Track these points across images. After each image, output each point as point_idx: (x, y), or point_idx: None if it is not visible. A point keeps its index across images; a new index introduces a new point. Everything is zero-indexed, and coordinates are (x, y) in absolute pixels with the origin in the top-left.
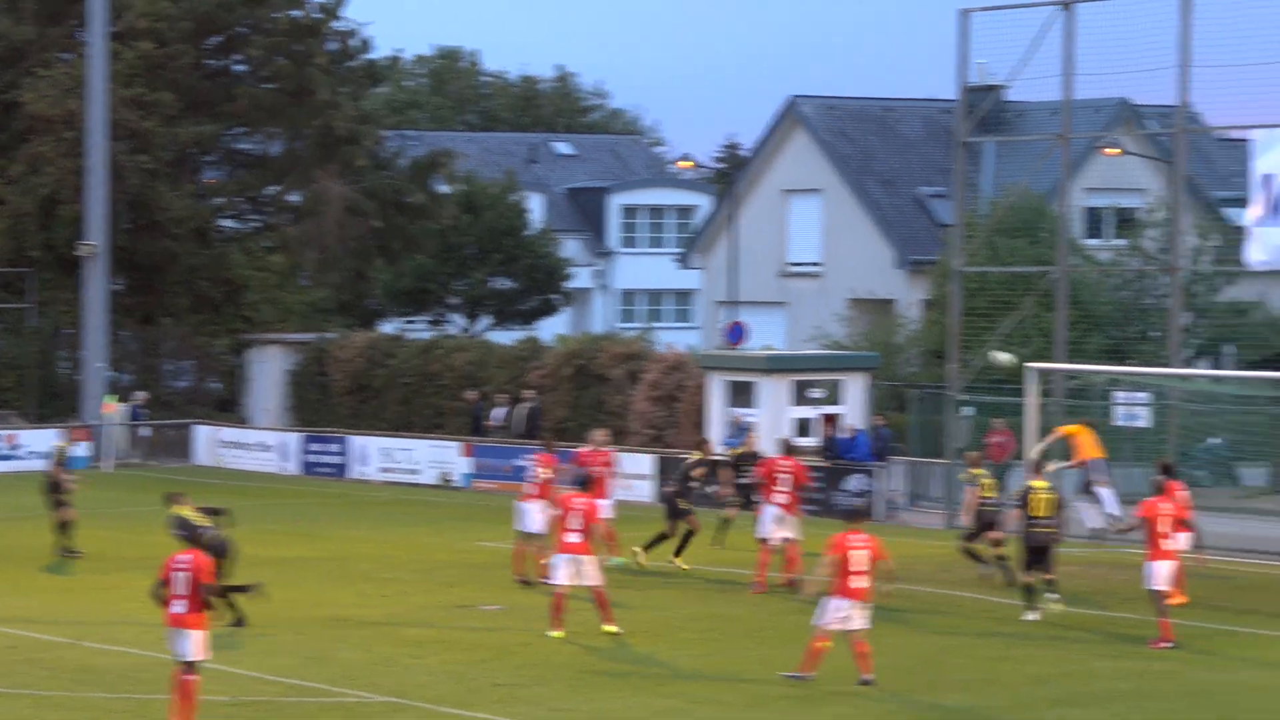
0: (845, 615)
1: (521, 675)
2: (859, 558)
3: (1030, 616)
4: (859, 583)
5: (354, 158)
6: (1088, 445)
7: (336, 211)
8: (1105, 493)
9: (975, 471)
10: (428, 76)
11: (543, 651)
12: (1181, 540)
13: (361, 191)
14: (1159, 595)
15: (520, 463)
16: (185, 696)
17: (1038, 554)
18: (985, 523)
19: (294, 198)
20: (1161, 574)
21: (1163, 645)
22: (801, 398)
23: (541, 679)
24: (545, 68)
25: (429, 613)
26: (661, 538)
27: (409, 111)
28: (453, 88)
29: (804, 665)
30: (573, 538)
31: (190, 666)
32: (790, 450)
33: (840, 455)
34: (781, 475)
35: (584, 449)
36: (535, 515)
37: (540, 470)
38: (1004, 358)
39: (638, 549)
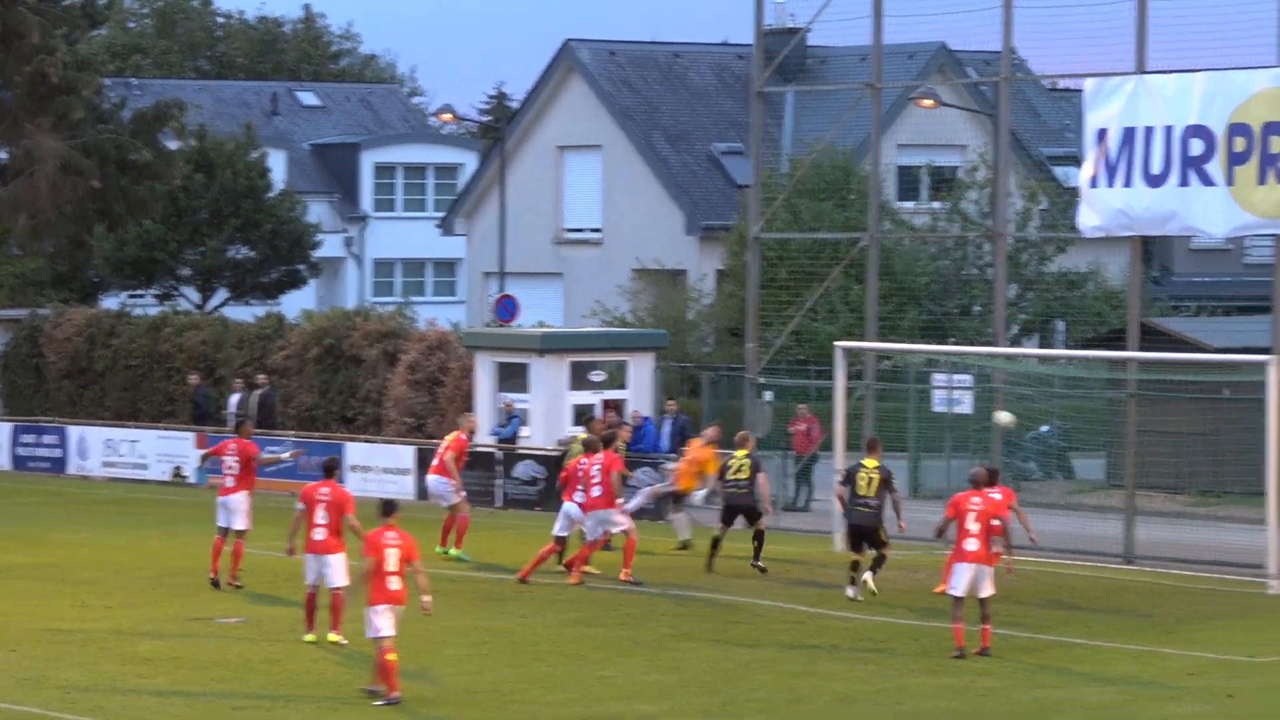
0: (382, 622)
1: (266, 696)
2: (390, 557)
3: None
4: (393, 584)
5: (70, 109)
6: (705, 466)
7: (50, 170)
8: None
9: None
10: (152, 17)
11: (290, 669)
12: (995, 544)
13: (79, 147)
14: (958, 601)
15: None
16: None
17: (861, 534)
18: (734, 507)
19: (0, 155)
20: (962, 578)
21: (956, 655)
22: (581, 381)
23: (289, 700)
24: (287, 7)
25: (160, 626)
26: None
27: (132, 57)
28: (182, 30)
29: (388, 688)
30: (319, 534)
31: None
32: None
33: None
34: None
35: None
36: (240, 511)
37: (233, 459)
38: (1005, 418)
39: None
